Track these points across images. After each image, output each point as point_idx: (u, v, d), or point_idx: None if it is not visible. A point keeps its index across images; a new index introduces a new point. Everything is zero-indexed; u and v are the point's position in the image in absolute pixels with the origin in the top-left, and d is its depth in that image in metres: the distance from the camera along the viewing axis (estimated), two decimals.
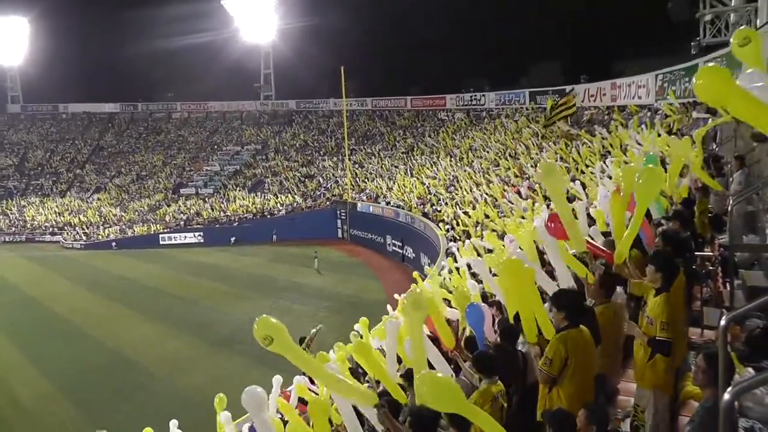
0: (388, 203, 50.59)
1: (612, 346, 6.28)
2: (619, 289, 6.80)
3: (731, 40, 5.16)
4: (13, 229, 74.79)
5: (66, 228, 71.42)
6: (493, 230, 24.39)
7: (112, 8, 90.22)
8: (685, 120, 22.76)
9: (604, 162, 20.38)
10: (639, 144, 20.95)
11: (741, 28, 5.75)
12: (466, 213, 32.93)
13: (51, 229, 72.77)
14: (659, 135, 20.05)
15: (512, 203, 27.93)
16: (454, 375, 7.37)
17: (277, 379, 11.89)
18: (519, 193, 30.60)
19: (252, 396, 6.34)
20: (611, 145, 26.81)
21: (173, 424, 12.34)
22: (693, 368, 4.79)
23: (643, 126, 26.31)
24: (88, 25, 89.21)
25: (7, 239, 72.60)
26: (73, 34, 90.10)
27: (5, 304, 40.33)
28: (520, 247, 10.90)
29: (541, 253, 10.00)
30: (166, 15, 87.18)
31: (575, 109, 40.17)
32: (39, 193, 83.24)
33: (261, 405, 6.38)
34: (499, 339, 7.36)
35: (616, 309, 6.45)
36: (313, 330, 18.91)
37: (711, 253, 7.89)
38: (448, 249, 29.81)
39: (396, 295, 18.75)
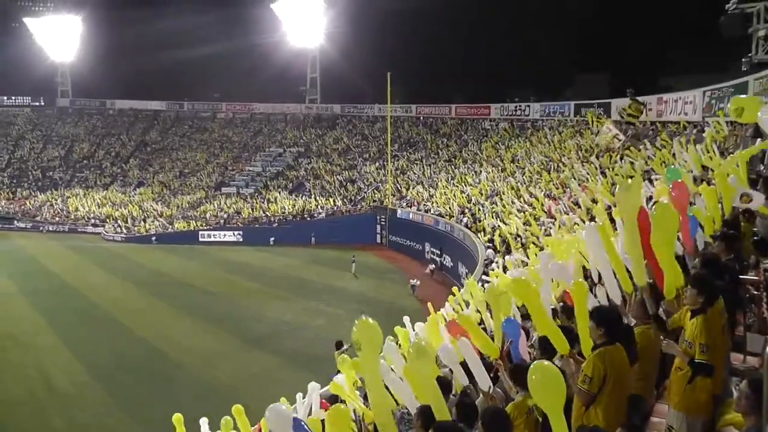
0: (428, 211, 50.50)
1: (649, 367, 6.19)
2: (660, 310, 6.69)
3: (728, 106, 5.21)
4: (57, 219, 76.57)
5: (108, 220, 72.74)
6: (534, 243, 24.30)
7: (163, 9, 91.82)
8: (732, 139, 22.29)
9: (649, 180, 20.03)
10: (685, 161, 20.58)
11: (733, 98, 5.71)
12: (505, 223, 32.74)
13: (93, 220, 74.20)
14: (707, 152, 19.63)
15: (553, 217, 27.78)
16: (492, 386, 7.33)
17: (314, 386, 11.79)
18: (560, 205, 30.40)
19: (278, 414, 5.41)
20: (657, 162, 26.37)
21: (203, 422, 12.41)
22: (736, 394, 4.71)
23: (689, 144, 25.80)
24: (139, 25, 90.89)
25: (50, 228, 74.35)
26: (124, 33, 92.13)
27: (46, 290, 41.36)
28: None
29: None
30: (216, 17, 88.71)
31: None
32: (83, 185, 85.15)
33: (287, 424, 5.42)
34: (537, 352, 7.31)
35: (656, 330, 6.36)
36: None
37: (756, 278, 7.71)
38: (486, 259, 29.69)
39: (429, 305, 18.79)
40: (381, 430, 5.97)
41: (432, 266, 44.55)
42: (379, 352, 5.80)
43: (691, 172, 17.08)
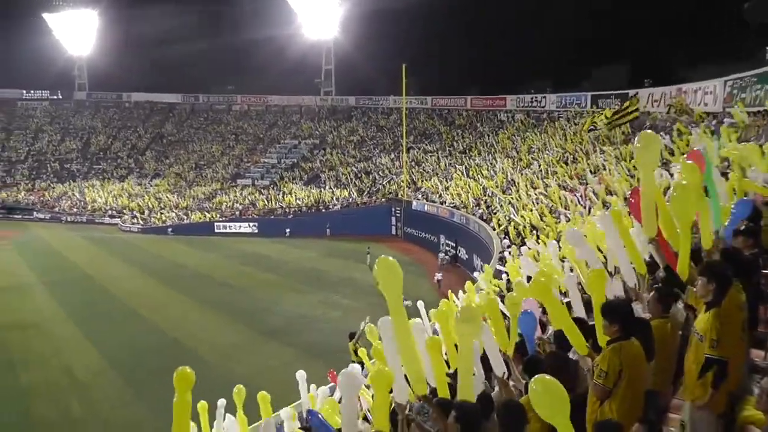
0: (443, 203, 50.35)
1: (666, 361, 6.07)
2: (680, 304, 6.55)
3: None
4: (75, 210, 77.43)
5: (124, 211, 73.32)
6: (548, 235, 24.14)
7: (178, 3, 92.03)
8: (753, 130, 21.94)
9: (667, 169, 19.80)
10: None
11: None
12: (522, 217, 32.54)
13: (110, 211, 74.87)
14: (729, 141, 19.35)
15: (568, 209, 27.58)
16: (506, 372, 7.25)
17: (301, 375, 11.83)
18: (577, 197, 30.19)
19: (349, 377, 6.43)
20: (671, 153, 26.04)
21: (221, 403, 12.48)
22: (757, 392, 4.61)
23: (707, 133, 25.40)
24: (154, 18, 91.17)
25: (69, 219, 75.30)
26: (139, 27, 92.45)
27: (65, 281, 41.78)
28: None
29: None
30: (231, 10, 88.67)
31: (637, 114, 39.13)
32: (100, 176, 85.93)
33: (357, 387, 6.46)
34: (553, 345, 7.23)
35: (674, 324, 6.24)
36: (363, 324, 19.19)
37: None
38: (501, 252, 29.53)
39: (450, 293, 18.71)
40: (412, 382, 6.09)
41: (439, 275, 38.72)
42: (400, 290, 5.94)
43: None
